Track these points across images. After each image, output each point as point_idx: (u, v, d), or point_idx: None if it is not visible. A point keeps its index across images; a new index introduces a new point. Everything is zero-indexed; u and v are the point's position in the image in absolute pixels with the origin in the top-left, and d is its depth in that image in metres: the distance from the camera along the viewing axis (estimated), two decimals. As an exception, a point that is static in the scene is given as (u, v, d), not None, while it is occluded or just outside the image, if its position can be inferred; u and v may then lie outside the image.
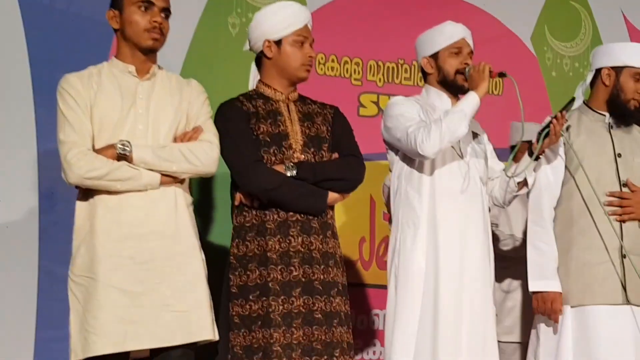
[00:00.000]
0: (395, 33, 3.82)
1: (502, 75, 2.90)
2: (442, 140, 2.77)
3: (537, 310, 3.00)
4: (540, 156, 2.96)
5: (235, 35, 3.60)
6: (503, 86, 4.21)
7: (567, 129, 3.00)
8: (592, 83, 3.12)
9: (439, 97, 2.97)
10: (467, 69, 2.92)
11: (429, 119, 2.87)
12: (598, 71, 3.09)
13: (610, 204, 2.96)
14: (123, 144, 2.43)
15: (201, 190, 3.31)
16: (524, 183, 3.01)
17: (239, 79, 3.47)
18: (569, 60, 4.37)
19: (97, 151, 2.43)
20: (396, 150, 2.95)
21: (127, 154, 2.43)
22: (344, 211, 3.68)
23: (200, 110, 2.60)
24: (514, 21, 4.23)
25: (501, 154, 3.58)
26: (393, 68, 3.94)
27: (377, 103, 3.88)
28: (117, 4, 2.53)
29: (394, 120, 2.88)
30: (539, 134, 2.91)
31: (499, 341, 3.03)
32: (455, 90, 2.97)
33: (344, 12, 3.82)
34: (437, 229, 2.85)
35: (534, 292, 2.99)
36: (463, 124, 2.78)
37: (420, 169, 2.91)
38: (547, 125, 2.90)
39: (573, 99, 2.94)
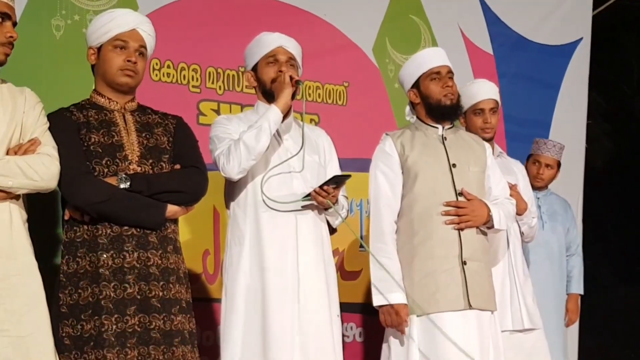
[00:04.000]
0: (234, 40, 3.86)
1: (298, 83, 3.03)
2: (241, 161, 2.91)
3: (384, 323, 3.16)
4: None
5: (59, 39, 3.50)
6: (347, 97, 4.38)
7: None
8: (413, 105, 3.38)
9: (265, 109, 3.06)
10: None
11: None
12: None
13: (447, 214, 3.17)
14: None
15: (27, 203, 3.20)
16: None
17: (65, 85, 3.40)
18: (410, 72, 4.60)
19: None
20: None
21: None
22: (186, 223, 3.67)
23: (37, 121, 2.55)
24: (356, 32, 4.40)
25: (346, 164, 3.75)
26: (233, 75, 3.98)
27: (217, 111, 3.90)
28: None
29: (210, 143, 3.04)
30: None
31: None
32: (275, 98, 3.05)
33: (179, 16, 3.81)
34: (262, 245, 2.96)
35: (379, 306, 3.14)
36: (262, 139, 2.91)
37: (242, 186, 3.03)
38: (309, 195, 3.00)
39: (334, 177, 3.03)
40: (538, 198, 4.26)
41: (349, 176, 3.03)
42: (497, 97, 3.78)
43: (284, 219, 2.99)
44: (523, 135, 4.82)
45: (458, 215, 3.16)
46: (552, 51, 5.24)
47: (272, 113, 2.96)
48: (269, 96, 3.07)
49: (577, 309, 4.49)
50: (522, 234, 3.71)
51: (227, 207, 3.14)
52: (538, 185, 4.29)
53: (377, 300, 3.13)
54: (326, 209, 3.08)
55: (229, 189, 3.11)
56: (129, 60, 2.72)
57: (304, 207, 3.02)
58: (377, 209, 3.20)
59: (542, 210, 4.26)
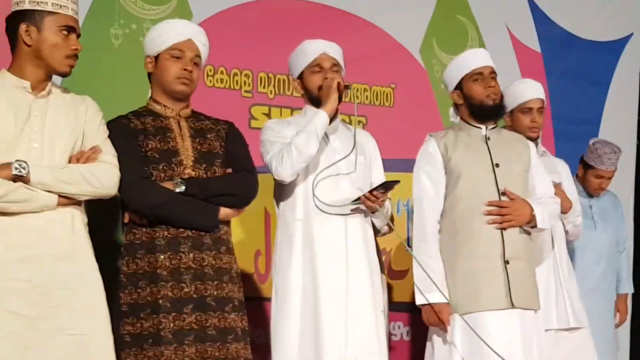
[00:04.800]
0: (285, 45, 3.94)
1: (347, 87, 3.14)
2: (294, 164, 3.02)
3: (427, 322, 3.24)
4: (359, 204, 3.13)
5: (118, 47, 3.65)
6: (394, 98, 4.45)
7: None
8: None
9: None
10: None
11: None
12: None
13: (489, 213, 3.22)
14: (20, 164, 2.46)
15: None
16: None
17: (124, 93, 3.53)
18: (457, 73, 4.64)
19: None
20: None
21: (24, 175, 2.46)
22: (238, 225, 3.77)
23: (98, 129, 2.68)
24: (403, 34, 4.46)
25: (393, 165, 3.83)
26: (284, 80, 4.09)
27: (268, 115, 4.02)
28: (35, 23, 2.54)
29: (262, 147, 3.16)
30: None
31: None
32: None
33: (231, 23, 3.93)
34: (313, 246, 3.07)
35: (422, 305, 3.22)
36: (312, 143, 3.03)
37: (292, 187, 3.13)
38: (358, 199, 3.11)
39: (384, 183, 3.13)
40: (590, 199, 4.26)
41: (397, 182, 3.12)
42: (544, 97, 3.82)
43: (333, 221, 3.09)
44: (572, 134, 4.82)
45: (501, 215, 3.21)
46: (602, 48, 5.22)
47: (320, 118, 3.08)
48: (317, 102, 3.18)
49: (626, 309, 4.49)
50: (566, 232, 3.74)
51: (277, 207, 3.25)
52: (597, 195, 4.28)
53: (419, 300, 3.22)
54: (373, 212, 3.18)
55: (279, 190, 3.22)
56: (185, 69, 2.85)
57: (352, 210, 3.12)
58: (420, 209, 3.28)
59: (593, 210, 4.26)
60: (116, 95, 3.50)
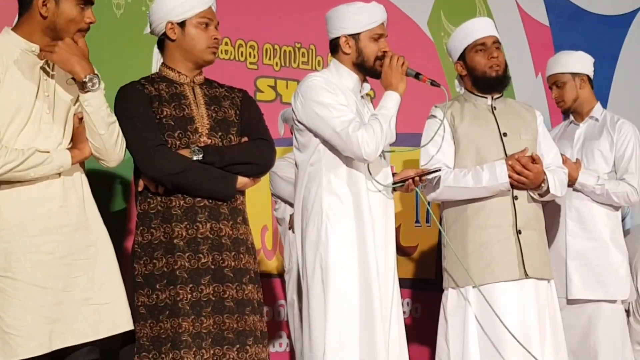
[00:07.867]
0: (291, 16, 3.97)
1: (434, 84, 3.13)
2: (380, 147, 2.97)
3: (524, 180, 3.22)
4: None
5: (120, 17, 3.63)
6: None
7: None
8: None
9: (350, 79, 3.09)
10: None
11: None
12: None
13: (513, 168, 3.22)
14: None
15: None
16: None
17: (125, 63, 3.52)
18: (465, 46, 4.65)
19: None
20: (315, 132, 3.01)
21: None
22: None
23: None
24: (410, 6, 4.47)
25: (403, 140, 3.83)
26: (290, 52, 4.08)
27: (274, 87, 4.01)
28: None
29: (324, 110, 2.95)
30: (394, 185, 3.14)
31: None
32: (371, 75, 3.12)
33: (236, -7, 3.94)
34: (363, 221, 2.99)
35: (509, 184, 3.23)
36: (394, 129, 3.02)
37: (348, 162, 3.01)
38: (403, 182, 3.12)
39: (435, 170, 3.17)
40: None
41: (439, 170, 3.18)
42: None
43: (378, 199, 3.05)
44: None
45: (516, 173, 3.21)
46: (610, 21, 5.24)
47: (396, 101, 3.04)
48: (364, 69, 3.08)
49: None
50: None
51: (316, 175, 3.02)
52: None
53: (502, 180, 3.21)
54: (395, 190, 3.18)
55: (325, 158, 3.02)
56: (215, 38, 2.83)
57: (392, 192, 3.14)
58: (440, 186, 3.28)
59: None
60: (119, 65, 3.49)
